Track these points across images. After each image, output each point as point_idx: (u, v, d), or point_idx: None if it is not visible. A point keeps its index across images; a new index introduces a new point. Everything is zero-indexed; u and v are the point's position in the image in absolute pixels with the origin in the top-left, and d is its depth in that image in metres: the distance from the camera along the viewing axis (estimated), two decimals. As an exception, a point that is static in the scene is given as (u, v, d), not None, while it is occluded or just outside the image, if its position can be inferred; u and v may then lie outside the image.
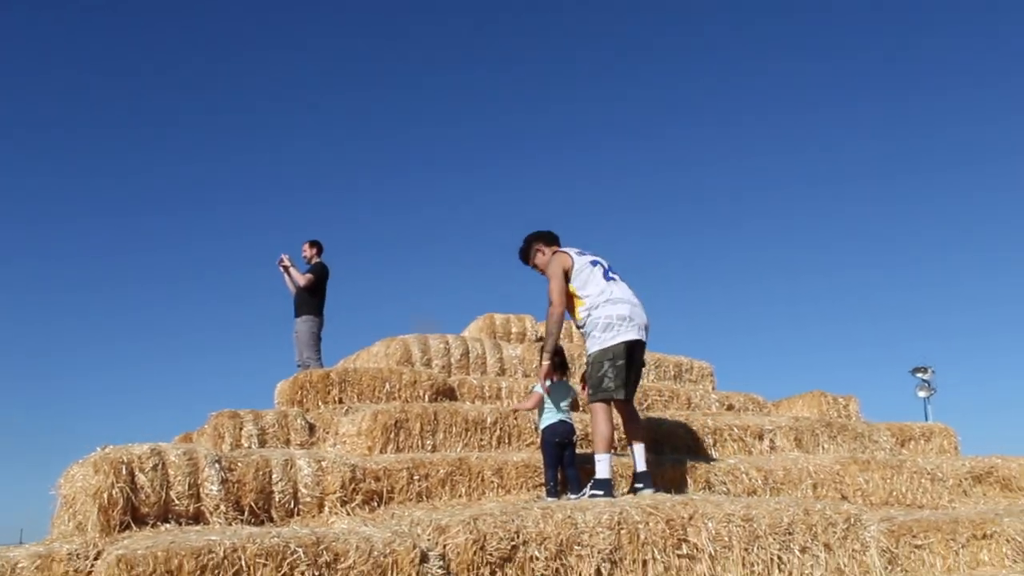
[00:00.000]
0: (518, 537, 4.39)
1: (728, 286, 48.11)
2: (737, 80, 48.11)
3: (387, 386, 8.01)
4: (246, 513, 5.46)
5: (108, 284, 51.92)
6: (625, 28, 51.26)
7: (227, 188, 53.50)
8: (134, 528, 5.07)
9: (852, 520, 5.30)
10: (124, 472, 5.11)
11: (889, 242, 45.40)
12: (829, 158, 45.67)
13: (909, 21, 45.21)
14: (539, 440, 6.19)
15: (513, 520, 4.46)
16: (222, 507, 5.35)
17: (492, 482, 6.17)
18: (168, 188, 52.68)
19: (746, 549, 4.87)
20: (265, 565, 3.79)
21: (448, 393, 8.22)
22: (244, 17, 53.39)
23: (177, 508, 5.28)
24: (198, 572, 3.67)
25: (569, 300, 6.08)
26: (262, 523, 5.45)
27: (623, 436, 6.44)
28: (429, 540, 4.29)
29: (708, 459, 7.02)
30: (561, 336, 6.41)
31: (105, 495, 5.00)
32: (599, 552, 4.53)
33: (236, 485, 5.48)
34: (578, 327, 6.19)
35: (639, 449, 6.02)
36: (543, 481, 6.04)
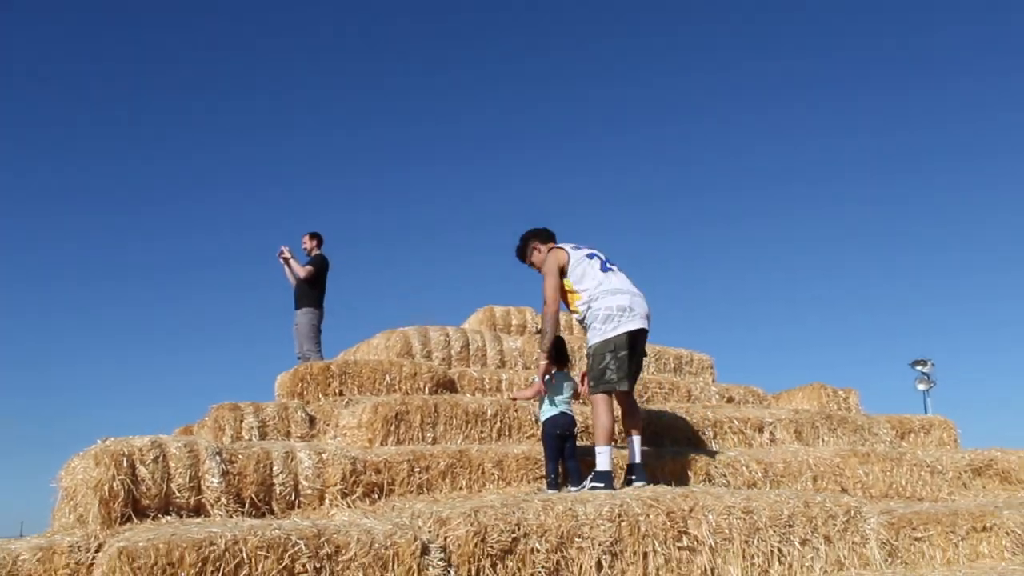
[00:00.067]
0: (519, 529, 4.40)
1: (728, 279, 48.11)
2: (738, 74, 48.02)
3: (387, 378, 8.01)
4: (247, 505, 5.46)
5: (108, 277, 51.91)
6: (624, 21, 51.15)
7: (227, 181, 53.47)
8: (135, 520, 5.08)
9: (852, 512, 5.31)
10: (125, 464, 5.11)
11: (889, 235, 45.40)
12: (829, 152, 45.64)
13: (909, 14, 45.11)
14: (540, 432, 6.19)
15: (514, 512, 4.46)
16: (223, 499, 5.35)
17: (493, 474, 6.18)
18: (167, 181, 52.64)
19: (746, 541, 4.88)
20: (266, 557, 3.79)
21: (448, 385, 8.22)
22: (244, 11, 53.26)
23: (178, 500, 5.28)
24: (199, 564, 3.68)
25: (567, 295, 6.08)
26: (263, 515, 5.46)
27: (622, 428, 6.45)
28: (430, 532, 4.30)
29: (708, 452, 7.02)
30: (560, 329, 6.41)
31: (106, 487, 5.01)
32: (600, 544, 4.54)
33: (237, 477, 5.48)
34: (578, 321, 6.18)
35: (636, 441, 6.04)
36: (544, 473, 6.05)
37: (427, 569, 4.06)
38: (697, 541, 4.78)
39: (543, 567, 4.40)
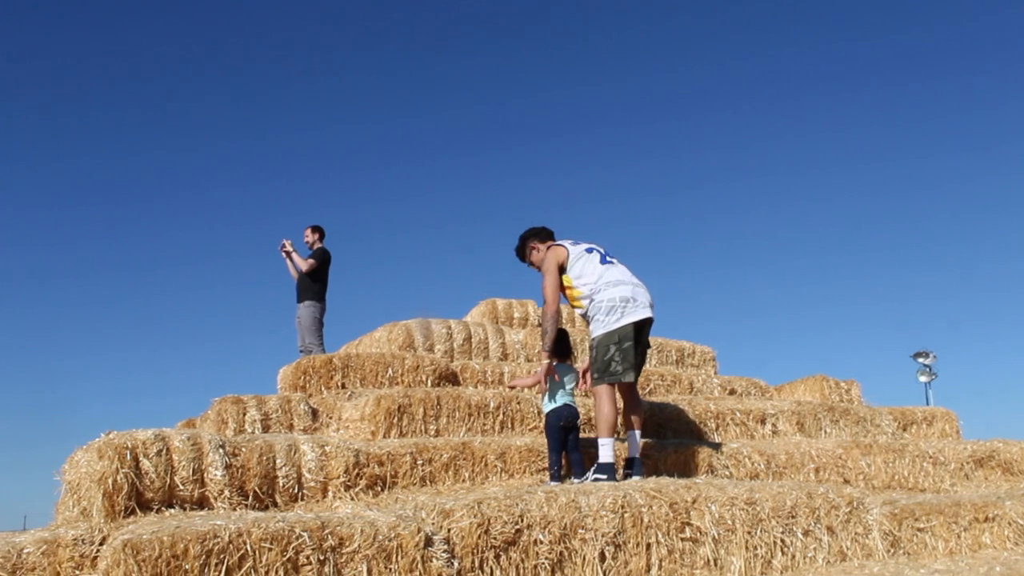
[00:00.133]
0: (522, 521, 4.40)
1: (730, 271, 48.10)
2: (741, 66, 47.92)
3: (390, 371, 8.02)
4: (250, 498, 5.47)
5: (111, 271, 51.93)
6: (625, 11, 51.03)
7: (229, 174, 53.43)
8: (139, 513, 5.09)
9: (855, 503, 5.32)
10: (128, 458, 5.13)
11: (891, 227, 45.33)
12: (831, 143, 45.55)
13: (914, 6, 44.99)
14: (543, 424, 6.20)
15: (517, 504, 4.47)
16: (226, 492, 5.36)
17: (495, 466, 6.18)
18: (168, 175, 52.61)
19: (749, 532, 4.89)
20: (270, 550, 3.80)
21: (451, 378, 8.23)
22: (245, 3, 53.16)
23: (181, 493, 5.29)
24: (203, 557, 3.68)
25: (569, 290, 6.07)
26: (266, 508, 5.47)
27: (623, 421, 6.44)
28: (433, 524, 4.30)
29: (711, 443, 7.02)
30: (562, 321, 6.41)
31: (110, 480, 5.02)
32: (603, 535, 4.54)
33: (240, 470, 5.49)
34: (581, 315, 6.17)
35: (636, 435, 6.04)
36: (546, 465, 6.05)
37: (431, 561, 4.07)
38: (700, 532, 4.79)
39: (546, 558, 4.41)
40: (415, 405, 6.86)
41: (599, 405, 5.85)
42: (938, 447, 8.04)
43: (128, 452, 5.14)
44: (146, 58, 52.06)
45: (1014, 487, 7.49)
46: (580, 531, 4.51)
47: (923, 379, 22.25)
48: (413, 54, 53.83)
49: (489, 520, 4.34)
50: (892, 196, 44.92)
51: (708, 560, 4.77)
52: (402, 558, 4.01)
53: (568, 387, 6.01)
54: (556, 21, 52.23)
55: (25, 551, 4.51)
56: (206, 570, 3.68)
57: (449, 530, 4.28)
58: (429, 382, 7.99)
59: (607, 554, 4.54)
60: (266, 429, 6.83)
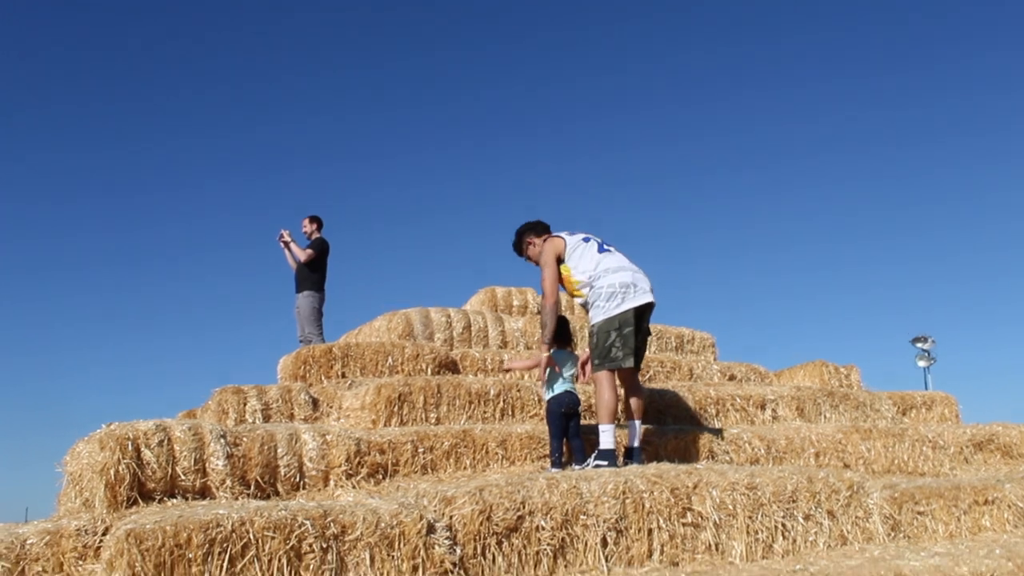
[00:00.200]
0: (524, 507, 4.41)
1: (729, 258, 48.10)
2: (736, 53, 47.78)
3: (390, 360, 8.02)
4: (252, 488, 5.48)
5: (110, 262, 51.88)
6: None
7: (227, 165, 53.34)
8: (141, 504, 5.10)
9: (855, 487, 5.33)
10: (130, 448, 5.13)
11: (889, 213, 45.32)
12: (829, 130, 45.49)
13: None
14: (544, 411, 6.21)
15: (519, 491, 4.48)
16: (228, 482, 5.37)
17: (496, 454, 6.19)
18: (167, 166, 52.50)
19: (750, 517, 4.90)
20: (273, 538, 3.81)
21: (451, 366, 8.23)
22: (239, -8, 52.94)
23: (183, 483, 5.30)
24: (207, 546, 3.69)
25: (568, 281, 6.07)
26: (268, 497, 5.48)
27: (624, 409, 6.43)
28: (435, 511, 4.31)
29: (711, 429, 7.04)
30: (562, 309, 6.42)
31: (112, 471, 5.03)
32: (604, 521, 4.55)
33: (242, 460, 5.50)
34: (581, 305, 6.17)
35: (636, 425, 6.03)
36: (547, 452, 6.07)
37: (433, 548, 4.08)
38: (701, 517, 4.80)
39: (548, 544, 4.42)
40: (415, 393, 6.86)
41: (599, 391, 5.86)
42: (937, 431, 8.06)
43: (130, 443, 5.15)
44: (145, 49, 51.87)
45: (1013, 470, 7.52)
46: (582, 517, 4.52)
47: (922, 364, 22.29)
48: (411, 43, 53.67)
49: (491, 507, 4.35)
50: (890, 181, 44.91)
51: (709, 545, 4.78)
52: (404, 545, 4.02)
53: (568, 374, 6.02)
54: (556, 9, 52.05)
55: (28, 542, 4.52)
56: (209, 559, 3.69)
57: (451, 517, 4.29)
58: (429, 370, 8.00)
59: (609, 540, 4.56)
60: (267, 419, 6.84)
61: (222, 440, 5.44)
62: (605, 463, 5.60)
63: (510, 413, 7.13)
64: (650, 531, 4.68)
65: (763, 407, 8.12)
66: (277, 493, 5.59)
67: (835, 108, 45.54)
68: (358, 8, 53.27)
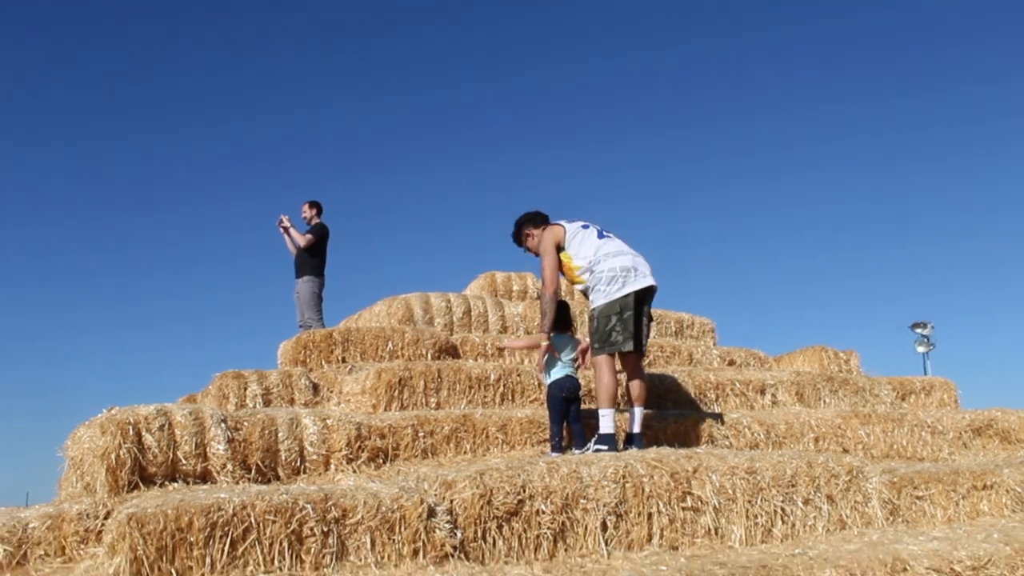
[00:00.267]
0: (524, 491, 4.42)
1: (729, 243, 48.08)
2: (736, 39, 47.61)
3: (390, 345, 8.03)
4: (253, 472, 5.50)
5: (111, 249, 51.81)
6: (623, -18, 50.59)
7: (227, 149, 53.21)
8: (142, 488, 5.12)
9: (854, 472, 5.34)
10: (131, 433, 5.14)
11: (889, 199, 45.27)
12: (828, 114, 45.37)
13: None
14: (545, 395, 6.21)
15: (519, 475, 4.49)
16: (229, 466, 5.38)
17: (496, 438, 6.21)
18: (167, 149, 52.38)
19: (750, 501, 4.91)
20: (274, 522, 3.82)
21: (451, 351, 8.24)
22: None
23: (184, 468, 5.31)
24: (208, 529, 3.70)
25: (568, 268, 6.06)
26: (269, 481, 5.49)
27: (626, 395, 6.43)
28: (436, 495, 4.32)
29: (711, 414, 7.05)
30: (562, 294, 6.42)
31: (113, 456, 5.04)
32: (604, 505, 4.57)
33: (242, 444, 5.51)
34: (582, 291, 6.16)
35: (637, 412, 6.01)
36: (547, 437, 6.08)
37: (434, 531, 4.09)
38: (701, 501, 4.81)
39: (548, 528, 4.43)
40: (416, 378, 6.87)
41: (599, 376, 5.86)
42: (936, 416, 8.08)
43: (131, 427, 5.16)
44: (141, 34, 51.62)
45: (1012, 455, 7.55)
46: (582, 501, 4.54)
47: (921, 349, 22.36)
48: (410, 27, 53.44)
49: (491, 491, 4.36)
50: (890, 167, 44.83)
51: (709, 529, 4.80)
52: (405, 529, 4.03)
53: (567, 358, 6.02)
54: (553, -7, 51.81)
55: (30, 526, 4.54)
56: (211, 543, 3.70)
57: (452, 501, 4.30)
58: (429, 355, 8.00)
59: (609, 524, 4.57)
60: (267, 404, 6.85)
61: (223, 425, 5.45)
62: (605, 447, 5.61)
63: (510, 398, 7.14)
64: (650, 515, 4.69)
65: (763, 392, 8.14)
66: (278, 477, 5.60)
67: (835, 95, 45.43)
68: (357, -7, 53.02)
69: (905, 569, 4.15)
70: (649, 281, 5.94)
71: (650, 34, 50.59)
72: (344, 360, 7.99)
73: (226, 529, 3.73)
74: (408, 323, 9.00)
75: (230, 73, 52.86)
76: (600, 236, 6.06)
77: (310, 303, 9.79)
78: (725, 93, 47.38)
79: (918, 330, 22.41)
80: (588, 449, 5.69)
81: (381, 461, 5.89)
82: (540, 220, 6.29)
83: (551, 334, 6.02)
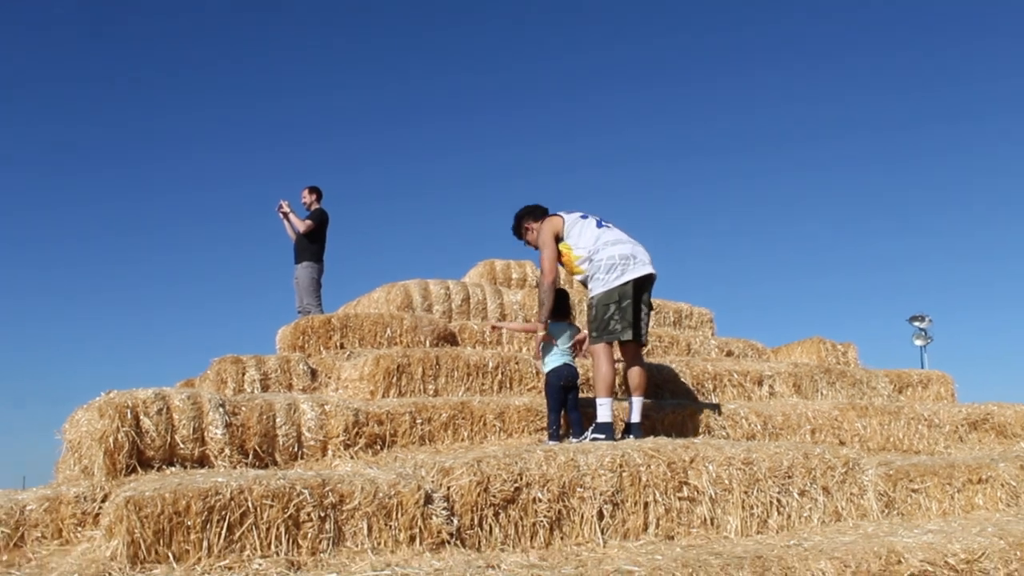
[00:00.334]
0: (521, 479, 4.43)
1: (728, 233, 48.05)
2: (733, 31, 47.44)
3: (388, 331, 8.03)
4: (250, 457, 5.50)
5: (109, 231, 51.75)
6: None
7: (227, 134, 53.08)
8: (139, 472, 5.12)
9: (851, 464, 5.36)
10: (129, 416, 5.14)
11: (888, 192, 45.23)
12: (828, 108, 45.27)
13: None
14: (543, 383, 6.22)
15: (516, 462, 4.49)
16: (226, 451, 5.39)
17: (494, 426, 6.21)
18: (166, 134, 52.23)
19: (746, 492, 4.92)
20: (271, 506, 3.82)
21: (449, 338, 8.24)
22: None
23: (182, 452, 5.32)
24: (205, 513, 3.71)
25: (568, 258, 6.05)
26: (266, 466, 5.50)
27: (624, 384, 6.43)
28: (433, 482, 4.33)
29: (708, 404, 7.06)
30: (561, 282, 6.42)
31: (111, 439, 5.04)
32: (601, 494, 4.58)
33: (240, 429, 5.51)
34: (581, 281, 6.14)
35: (636, 402, 6.00)
36: (545, 425, 6.09)
37: (431, 518, 4.10)
38: (697, 491, 4.82)
39: (545, 516, 4.44)
40: (414, 365, 6.88)
41: (597, 364, 5.86)
42: (933, 410, 8.09)
43: (129, 411, 5.16)
44: (139, 16, 51.39)
45: (1007, 450, 7.55)
46: (579, 490, 4.55)
47: (918, 343, 22.38)
48: (411, 16, 53.21)
49: (488, 478, 4.37)
50: (889, 161, 44.78)
51: (705, 519, 4.81)
52: (402, 515, 4.04)
53: (565, 346, 6.02)
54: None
55: (28, 508, 4.55)
56: (208, 526, 3.71)
57: (449, 488, 4.31)
58: (428, 342, 8.00)
59: (605, 512, 4.58)
60: (265, 389, 6.86)
61: (221, 409, 5.46)
62: (602, 436, 5.62)
63: (508, 385, 7.14)
64: (646, 505, 4.70)
65: (760, 383, 8.15)
66: (275, 462, 5.61)
67: (834, 90, 45.32)
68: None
69: (899, 561, 4.16)
70: (648, 269, 5.94)
71: (652, 26, 50.43)
72: (342, 346, 7.99)
73: (223, 513, 3.74)
74: (407, 310, 9.00)
75: (232, 58, 52.69)
76: (599, 225, 6.05)
77: (309, 289, 9.78)
78: (726, 86, 47.29)
79: (916, 323, 22.42)
80: (585, 438, 5.70)
81: (379, 447, 5.90)
82: (540, 213, 6.28)
83: (548, 322, 6.02)
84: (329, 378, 7.18)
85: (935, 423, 7.91)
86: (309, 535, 3.87)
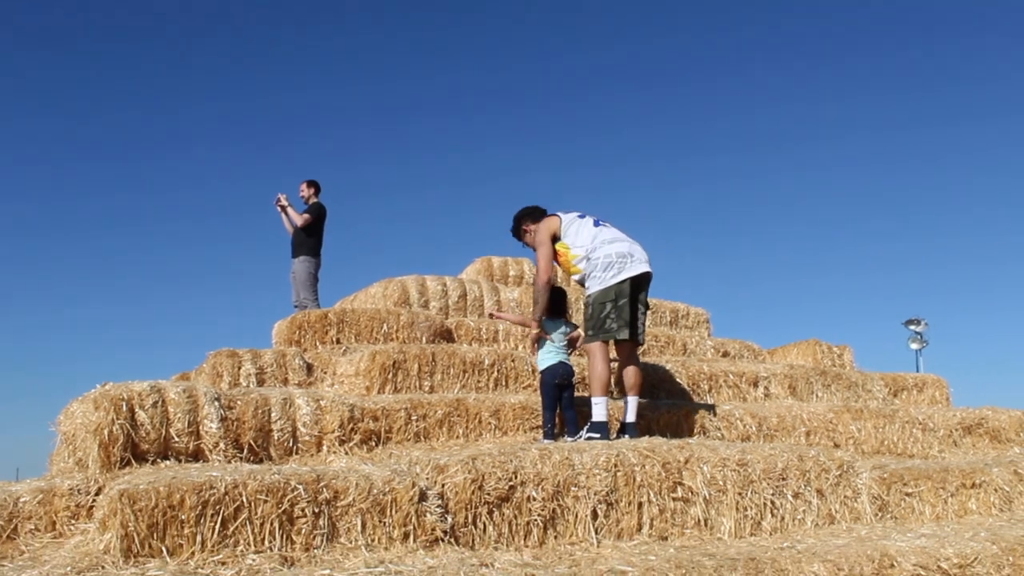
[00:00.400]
0: (516, 477, 4.43)
1: (725, 234, 48.08)
2: (737, 29, 47.41)
3: (385, 327, 8.02)
4: (245, 451, 5.49)
5: (105, 224, 51.66)
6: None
7: (225, 128, 52.99)
8: (134, 465, 5.10)
9: (845, 467, 5.36)
10: (124, 409, 5.12)
11: (885, 195, 45.27)
12: (826, 110, 45.29)
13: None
14: (538, 381, 6.22)
15: (511, 460, 4.49)
16: (221, 445, 5.38)
17: (489, 423, 6.21)
18: (165, 127, 52.11)
19: (740, 493, 4.93)
20: (266, 501, 3.82)
21: (446, 335, 8.24)
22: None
23: (177, 445, 5.31)
24: (199, 507, 3.71)
25: (565, 258, 6.04)
26: (261, 461, 5.49)
27: (619, 382, 6.42)
28: (428, 479, 4.33)
29: (703, 405, 7.06)
30: (557, 280, 6.42)
31: (105, 431, 5.02)
32: (595, 494, 4.58)
33: (235, 423, 5.50)
34: (578, 281, 6.14)
35: (632, 401, 5.98)
36: (540, 423, 6.08)
37: (425, 515, 4.10)
38: (691, 492, 4.83)
39: (539, 515, 4.44)
40: (410, 361, 6.87)
41: (592, 363, 5.86)
42: (928, 414, 8.11)
43: (124, 403, 5.14)
44: (138, 9, 51.22)
45: (1001, 454, 7.57)
46: (573, 489, 4.55)
47: (914, 346, 22.41)
48: (412, 14, 53.13)
49: (483, 476, 4.37)
50: (886, 164, 44.81)
51: (699, 520, 4.81)
52: (396, 512, 4.04)
53: (559, 342, 6.01)
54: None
55: (22, 500, 4.55)
56: (202, 520, 3.70)
57: (443, 485, 4.31)
58: (424, 338, 8.00)
59: (599, 512, 4.58)
60: (261, 383, 6.84)
61: (216, 403, 5.45)
62: (597, 435, 5.62)
63: (504, 383, 7.14)
64: (640, 505, 4.71)
65: (756, 384, 8.15)
66: (270, 457, 5.60)
67: (832, 91, 45.34)
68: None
69: (892, 565, 4.17)
70: (645, 267, 5.93)
71: (652, 26, 50.39)
72: (339, 341, 7.98)
73: (217, 508, 3.74)
74: (404, 306, 8.99)
75: (232, 52, 52.57)
76: (597, 224, 6.06)
77: (306, 283, 9.76)
78: (725, 86, 47.27)
79: (912, 327, 22.46)
80: (580, 437, 5.70)
81: (373, 444, 5.89)
82: (538, 215, 6.28)
83: (542, 319, 6.01)
84: (325, 373, 7.17)
85: (930, 427, 7.92)
86: (303, 531, 3.87)
